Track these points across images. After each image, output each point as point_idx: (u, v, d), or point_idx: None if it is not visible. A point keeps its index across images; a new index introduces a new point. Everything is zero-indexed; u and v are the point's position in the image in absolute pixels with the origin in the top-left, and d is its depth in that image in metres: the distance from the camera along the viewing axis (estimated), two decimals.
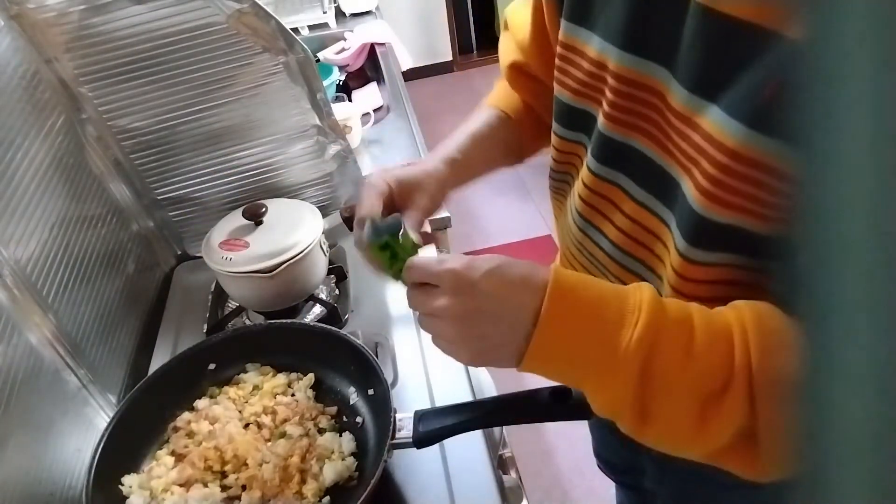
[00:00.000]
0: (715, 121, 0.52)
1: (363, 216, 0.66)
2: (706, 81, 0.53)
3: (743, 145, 0.50)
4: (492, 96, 0.88)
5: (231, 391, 0.91)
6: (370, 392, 0.87)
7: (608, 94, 0.63)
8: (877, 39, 0.16)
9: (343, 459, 0.81)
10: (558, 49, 0.69)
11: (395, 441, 0.77)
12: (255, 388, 0.92)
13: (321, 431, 0.85)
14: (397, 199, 0.72)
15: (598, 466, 1.08)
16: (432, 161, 0.76)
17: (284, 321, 1.03)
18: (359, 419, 0.87)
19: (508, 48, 0.84)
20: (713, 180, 0.52)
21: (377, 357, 0.89)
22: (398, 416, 0.79)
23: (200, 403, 0.90)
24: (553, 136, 0.75)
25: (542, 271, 0.54)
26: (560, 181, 0.78)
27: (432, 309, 0.58)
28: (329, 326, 0.95)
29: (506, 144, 0.84)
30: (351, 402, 0.89)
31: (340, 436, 0.85)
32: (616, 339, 0.51)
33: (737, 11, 0.50)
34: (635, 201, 0.65)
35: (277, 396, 0.89)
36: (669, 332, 0.51)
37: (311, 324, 1.00)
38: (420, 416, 0.78)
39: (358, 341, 0.89)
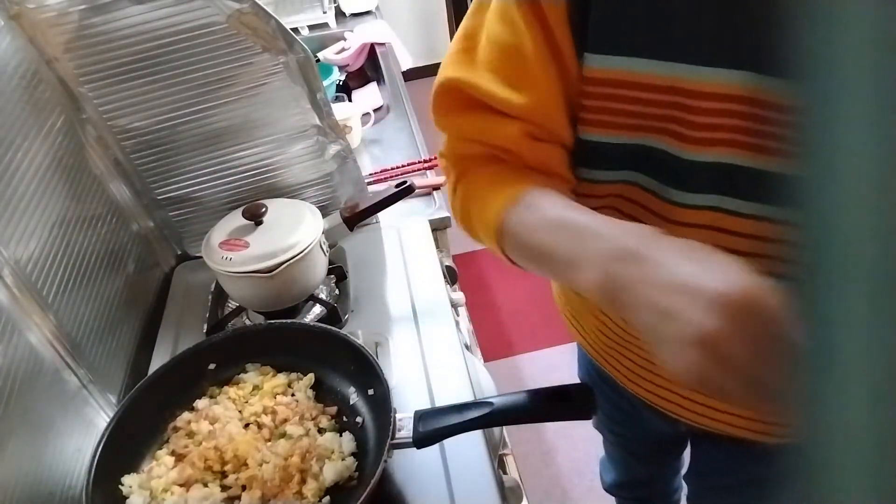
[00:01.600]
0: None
1: None
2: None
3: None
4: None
5: (231, 391, 0.91)
6: (370, 392, 0.87)
7: (688, 116, 0.57)
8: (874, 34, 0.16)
9: (343, 459, 0.81)
10: (589, 87, 0.60)
11: (395, 441, 0.77)
12: (255, 388, 0.92)
13: (321, 431, 0.85)
14: None
15: (613, 493, 1.08)
16: None
17: (284, 321, 1.03)
18: (359, 419, 0.87)
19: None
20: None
21: (377, 357, 0.89)
22: (398, 416, 0.79)
23: (200, 403, 0.90)
24: (583, 184, 0.67)
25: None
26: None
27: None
28: (329, 326, 0.95)
29: None
30: (351, 402, 0.89)
31: (340, 436, 0.85)
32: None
33: None
34: (744, 216, 0.59)
35: (277, 396, 0.89)
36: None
37: (311, 324, 1.00)
38: (420, 416, 0.78)
39: (358, 341, 0.89)
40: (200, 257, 1.10)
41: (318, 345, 0.92)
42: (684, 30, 0.54)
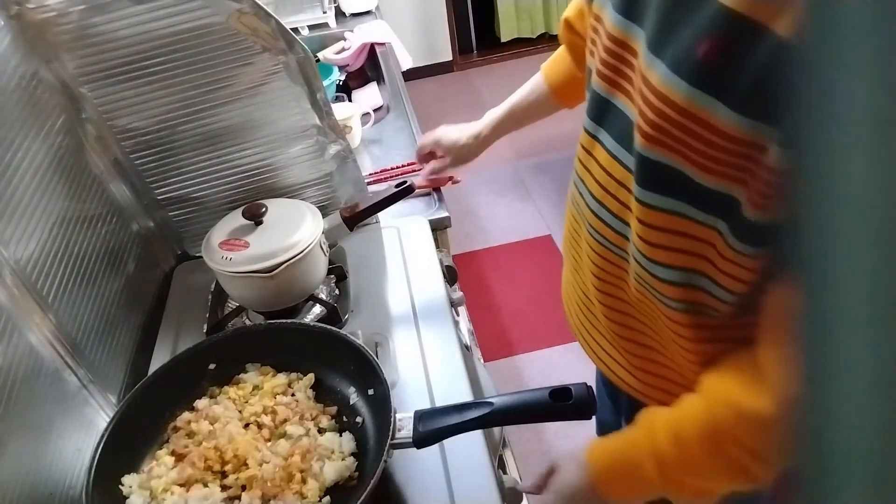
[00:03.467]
0: (660, 74, 0.58)
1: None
2: (659, 39, 0.59)
3: (677, 95, 0.56)
4: (547, 62, 1.10)
5: (231, 391, 0.91)
6: (370, 392, 0.87)
7: (601, 52, 0.69)
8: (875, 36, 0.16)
9: (343, 459, 0.81)
10: (591, 19, 0.74)
11: (395, 441, 0.77)
12: (256, 388, 0.92)
13: (321, 431, 0.85)
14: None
15: None
16: (481, 127, 1.20)
17: (284, 321, 1.03)
18: (359, 419, 0.87)
19: (571, 4, 0.96)
20: (651, 123, 0.59)
21: (377, 357, 0.89)
22: (398, 416, 0.79)
23: (200, 403, 0.90)
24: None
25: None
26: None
27: None
28: (329, 326, 0.95)
29: (542, 112, 1.15)
30: (351, 402, 0.89)
31: (340, 436, 0.84)
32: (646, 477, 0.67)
33: None
34: (608, 152, 0.70)
35: (277, 396, 0.89)
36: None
37: (311, 324, 1.00)
38: (420, 416, 0.78)
39: (358, 341, 0.89)
40: (200, 257, 1.10)
41: (318, 345, 0.92)
42: None
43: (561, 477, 0.75)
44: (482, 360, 1.27)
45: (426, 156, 1.29)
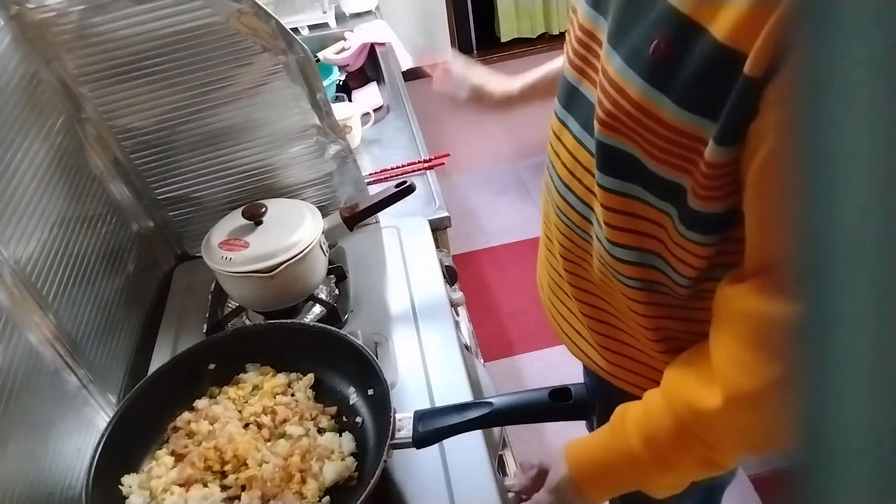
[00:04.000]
0: (616, 66, 0.61)
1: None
2: (616, 32, 0.62)
3: (630, 87, 0.59)
4: None
5: (231, 391, 0.91)
6: (370, 392, 0.87)
7: (573, 40, 0.72)
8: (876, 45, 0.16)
9: (343, 459, 0.81)
10: (569, 11, 0.77)
11: (394, 441, 0.77)
12: (255, 388, 0.92)
13: (321, 431, 0.85)
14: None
15: None
16: (515, 83, 1.05)
17: (284, 321, 1.03)
18: (358, 419, 0.87)
19: None
20: (606, 111, 0.63)
21: (377, 357, 0.89)
22: (398, 416, 0.79)
23: (200, 403, 0.90)
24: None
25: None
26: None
27: None
28: (328, 326, 0.94)
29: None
30: (351, 402, 0.89)
31: (340, 436, 0.84)
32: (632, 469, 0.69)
33: None
34: (574, 137, 0.72)
35: (277, 396, 0.89)
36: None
37: (311, 324, 1.00)
38: (420, 416, 0.78)
39: (358, 341, 0.89)
40: (200, 257, 1.10)
41: (318, 345, 0.92)
42: None
43: (552, 475, 0.76)
44: (482, 360, 1.27)
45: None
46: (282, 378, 0.92)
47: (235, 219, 1.08)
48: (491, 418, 0.75)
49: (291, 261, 1.03)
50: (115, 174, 1.15)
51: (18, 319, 0.82)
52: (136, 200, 1.19)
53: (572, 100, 0.73)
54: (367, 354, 0.86)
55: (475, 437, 0.87)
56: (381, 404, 0.82)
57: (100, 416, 0.95)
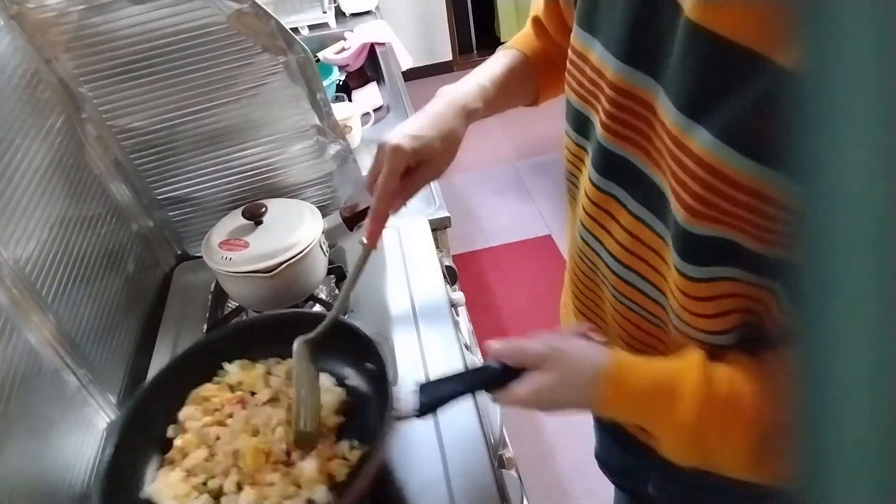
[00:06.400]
0: (703, 142, 0.52)
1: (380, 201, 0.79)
2: (695, 101, 0.53)
3: (729, 168, 0.51)
4: (514, 39, 0.90)
5: (212, 392, 0.87)
6: (368, 366, 0.84)
7: (605, 103, 0.63)
8: (876, 68, 0.16)
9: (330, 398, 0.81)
10: (570, 52, 0.69)
11: (397, 414, 0.73)
12: (237, 384, 0.88)
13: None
14: (412, 167, 0.77)
15: (600, 468, 1.07)
16: (449, 118, 0.78)
17: (274, 312, 1.01)
18: (361, 397, 0.84)
19: (536, 1, 0.87)
20: (696, 197, 0.53)
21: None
22: (399, 388, 0.76)
23: (186, 413, 0.86)
24: (565, 137, 0.75)
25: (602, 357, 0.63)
26: (572, 184, 0.77)
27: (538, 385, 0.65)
28: (308, 311, 0.91)
29: (523, 84, 0.87)
30: (352, 383, 0.86)
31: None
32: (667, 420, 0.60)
33: (726, 32, 0.49)
34: (632, 214, 0.64)
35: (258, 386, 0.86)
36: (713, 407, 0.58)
37: (287, 311, 0.98)
38: (421, 388, 0.74)
39: (344, 318, 0.86)
40: (200, 257, 1.10)
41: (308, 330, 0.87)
42: (622, 26, 0.60)
43: (566, 359, 0.65)
44: (482, 361, 1.27)
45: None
46: (260, 368, 0.88)
47: (235, 219, 1.08)
48: (492, 376, 0.70)
49: (291, 261, 1.03)
50: (115, 174, 1.15)
51: (18, 319, 0.82)
52: (136, 200, 1.19)
53: (618, 171, 0.64)
54: (357, 330, 0.84)
55: (475, 438, 0.87)
56: (380, 379, 0.79)
57: (100, 416, 0.94)
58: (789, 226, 0.19)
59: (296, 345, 0.79)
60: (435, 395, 0.73)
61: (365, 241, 0.81)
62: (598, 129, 0.65)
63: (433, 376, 0.97)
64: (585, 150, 0.71)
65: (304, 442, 0.78)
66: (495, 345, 0.68)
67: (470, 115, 0.80)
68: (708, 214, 0.53)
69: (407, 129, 0.75)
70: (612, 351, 0.65)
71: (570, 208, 0.80)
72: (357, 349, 0.85)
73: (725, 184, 0.51)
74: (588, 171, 0.69)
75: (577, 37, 0.67)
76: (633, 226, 0.65)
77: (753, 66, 0.48)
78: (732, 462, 0.60)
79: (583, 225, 0.72)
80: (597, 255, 0.71)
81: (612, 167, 0.65)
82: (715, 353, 0.62)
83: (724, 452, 0.59)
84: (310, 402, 0.79)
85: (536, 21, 0.87)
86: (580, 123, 0.70)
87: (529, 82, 0.88)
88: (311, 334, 0.80)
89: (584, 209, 0.71)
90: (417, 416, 0.72)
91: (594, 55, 0.64)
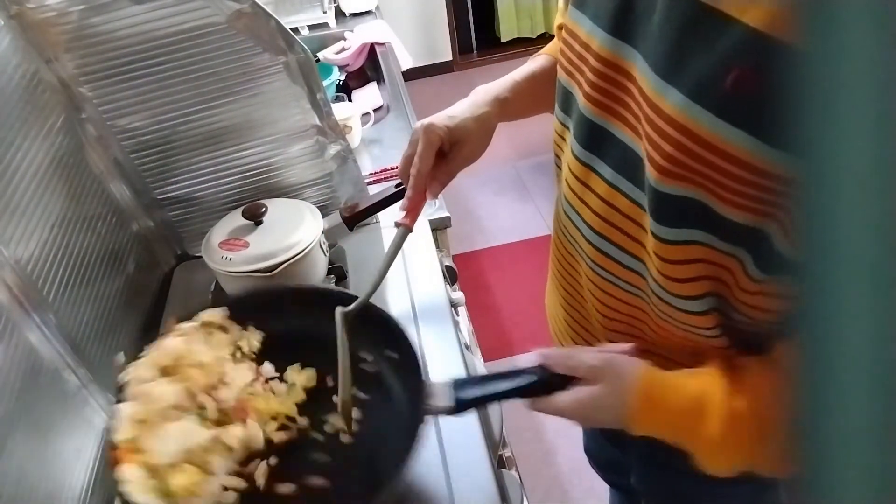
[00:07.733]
0: (675, 102, 0.54)
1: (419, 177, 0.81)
2: (670, 64, 0.55)
3: (699, 126, 0.52)
4: (547, 47, 0.93)
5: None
6: (389, 354, 0.82)
7: (589, 74, 0.65)
8: (875, 43, 0.16)
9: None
10: (563, 33, 0.71)
11: (430, 406, 0.70)
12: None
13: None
14: (447, 149, 0.81)
15: (589, 463, 1.08)
16: (481, 104, 0.83)
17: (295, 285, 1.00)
18: (387, 388, 0.82)
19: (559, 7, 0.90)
20: (667, 157, 0.56)
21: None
22: (432, 381, 0.73)
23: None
24: (554, 120, 0.76)
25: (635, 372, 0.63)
26: (557, 166, 0.79)
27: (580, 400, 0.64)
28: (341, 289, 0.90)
29: (552, 86, 0.86)
30: (369, 369, 0.84)
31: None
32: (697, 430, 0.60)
33: None
34: (608, 183, 0.66)
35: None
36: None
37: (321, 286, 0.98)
38: (455, 384, 0.71)
39: (378, 306, 0.84)
40: (200, 257, 1.10)
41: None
42: (610, 3, 0.62)
43: (608, 370, 0.64)
44: (482, 360, 1.27)
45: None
46: (224, 338, 0.84)
47: (235, 219, 1.08)
48: (538, 385, 0.67)
49: (291, 261, 1.03)
50: (115, 174, 1.15)
51: (18, 319, 0.82)
52: (136, 200, 1.19)
53: (598, 142, 0.66)
54: (385, 315, 0.81)
55: (475, 437, 0.87)
56: (407, 369, 0.77)
57: (100, 416, 0.94)
58: (790, 211, 0.19)
59: (338, 315, 0.78)
60: (472, 394, 0.70)
61: (400, 222, 0.82)
62: (581, 100, 0.67)
63: (433, 376, 0.97)
64: (568, 127, 0.72)
65: (347, 410, 0.77)
66: (544, 351, 0.67)
67: (502, 104, 0.84)
68: (678, 173, 0.55)
69: (440, 114, 0.81)
70: (644, 368, 0.63)
71: (557, 189, 0.81)
72: (379, 335, 0.83)
73: (696, 143, 0.53)
74: (570, 145, 0.70)
75: (570, 17, 0.69)
76: (609, 194, 0.66)
77: (724, 27, 0.50)
78: (770, 464, 0.59)
79: (566, 199, 0.73)
80: (576, 229, 0.72)
81: (593, 138, 0.67)
82: (731, 359, 0.63)
83: (760, 457, 0.59)
84: (348, 374, 0.77)
85: (560, 27, 0.88)
86: (564, 100, 0.72)
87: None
88: (351, 307, 0.79)
89: (566, 183, 0.72)
90: (452, 414, 0.69)
91: (583, 30, 0.66)
